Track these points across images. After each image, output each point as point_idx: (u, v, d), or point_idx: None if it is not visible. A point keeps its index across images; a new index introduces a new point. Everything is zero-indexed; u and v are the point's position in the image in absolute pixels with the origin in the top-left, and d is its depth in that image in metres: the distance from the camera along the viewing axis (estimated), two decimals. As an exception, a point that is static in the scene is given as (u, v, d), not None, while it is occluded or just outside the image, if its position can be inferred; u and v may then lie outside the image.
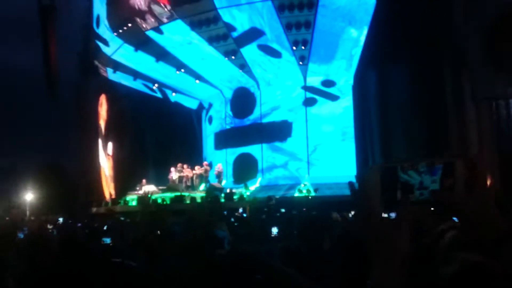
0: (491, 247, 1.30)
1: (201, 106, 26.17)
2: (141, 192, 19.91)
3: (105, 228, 8.74)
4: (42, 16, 20.42)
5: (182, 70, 21.82)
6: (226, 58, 20.36)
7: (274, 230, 5.89)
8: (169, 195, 18.73)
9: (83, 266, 3.88)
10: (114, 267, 3.42)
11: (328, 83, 21.31)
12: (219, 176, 20.41)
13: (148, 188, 20.23)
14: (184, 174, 20.34)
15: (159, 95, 24.86)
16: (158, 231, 5.83)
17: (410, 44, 18.20)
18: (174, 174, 20.42)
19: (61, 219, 12.83)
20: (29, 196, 20.36)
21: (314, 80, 21.27)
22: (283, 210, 10.38)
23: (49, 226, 10.29)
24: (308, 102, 21.49)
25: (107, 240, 7.05)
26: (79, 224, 10.38)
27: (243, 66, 20.95)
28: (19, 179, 23.10)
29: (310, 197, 17.59)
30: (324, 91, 21.41)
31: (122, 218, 12.34)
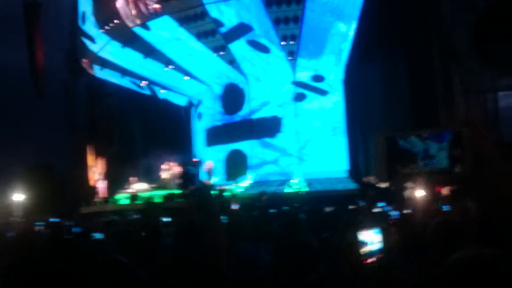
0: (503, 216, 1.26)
1: (190, 103, 26.03)
2: (131, 190, 19.78)
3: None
4: (27, 13, 20.18)
5: (171, 66, 21.66)
6: (215, 54, 20.24)
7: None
8: (160, 193, 18.61)
9: (72, 261, 3.80)
10: (105, 263, 3.36)
11: (318, 78, 21.27)
12: (209, 173, 20.31)
13: (139, 186, 20.11)
14: (173, 172, 20.23)
15: (147, 92, 24.67)
16: (149, 229, 5.75)
17: (399, 38, 18.23)
18: (165, 172, 20.31)
19: (51, 220, 12.67)
20: (17, 196, 20.10)
21: (304, 75, 21.21)
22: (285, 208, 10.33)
23: (39, 226, 10.17)
24: (298, 97, 21.43)
25: (98, 236, 6.94)
26: (68, 223, 10.26)
27: (232, 61, 20.84)
28: (6, 179, 22.81)
29: (301, 193, 17.56)
30: (314, 86, 21.36)
31: (113, 217, 12.21)
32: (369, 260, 3.34)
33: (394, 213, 7.61)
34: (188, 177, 20.30)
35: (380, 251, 3.45)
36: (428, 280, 2.43)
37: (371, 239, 3.50)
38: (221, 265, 2.43)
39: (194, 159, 22.90)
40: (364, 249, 3.43)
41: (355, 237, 3.44)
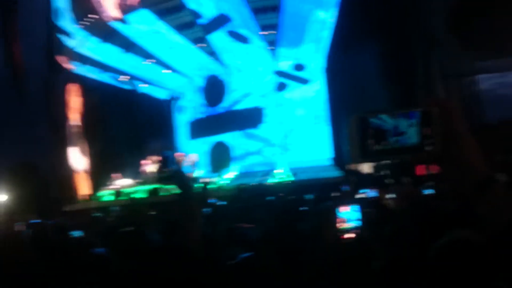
0: (473, 193, 1.27)
1: (172, 96, 25.87)
2: (114, 186, 19.66)
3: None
4: (2, 10, 19.81)
5: (151, 60, 21.50)
6: (195, 46, 20.12)
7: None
8: (143, 188, 18.52)
9: (56, 260, 3.76)
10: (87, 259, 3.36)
11: (299, 67, 21.29)
12: (193, 166, 20.24)
13: (122, 182, 19.99)
14: (156, 166, 20.15)
15: (128, 87, 24.45)
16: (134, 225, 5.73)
17: (379, 25, 18.27)
18: (147, 167, 20.21)
19: (34, 220, 12.54)
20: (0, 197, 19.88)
21: (285, 65, 21.22)
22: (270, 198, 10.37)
23: (21, 225, 10.05)
24: (280, 87, 21.45)
25: (78, 233, 6.89)
26: (51, 222, 10.15)
27: (212, 53, 20.74)
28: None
29: (286, 182, 17.61)
30: (295, 75, 21.38)
31: (97, 214, 12.13)
32: (347, 236, 3.41)
33: (372, 193, 7.71)
34: (164, 161, 20.36)
35: (358, 227, 3.52)
36: (411, 260, 2.46)
37: (350, 216, 3.57)
38: (196, 252, 2.43)
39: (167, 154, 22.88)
40: (343, 225, 3.50)
41: (333, 211, 3.51)
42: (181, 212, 2.65)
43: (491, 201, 1.24)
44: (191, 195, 2.63)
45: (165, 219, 5.92)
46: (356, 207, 3.63)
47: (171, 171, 18.69)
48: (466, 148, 1.35)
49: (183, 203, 2.61)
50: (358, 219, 3.54)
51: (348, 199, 6.13)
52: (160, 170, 19.79)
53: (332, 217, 3.44)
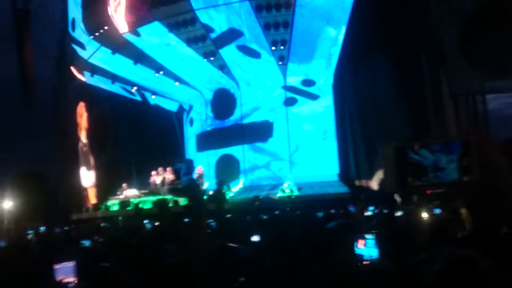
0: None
1: (181, 108, 26.01)
2: (122, 196, 19.71)
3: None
4: (17, 20, 20.07)
5: (161, 72, 21.66)
6: (205, 60, 20.26)
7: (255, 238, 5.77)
8: (151, 199, 18.55)
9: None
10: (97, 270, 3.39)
11: (308, 82, 21.37)
12: (200, 178, 20.28)
13: (129, 192, 20.04)
14: (166, 177, 20.19)
15: (138, 98, 24.64)
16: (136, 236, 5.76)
17: (388, 42, 18.36)
18: (156, 178, 20.26)
19: (42, 228, 12.62)
20: (7, 204, 19.98)
21: (294, 80, 21.30)
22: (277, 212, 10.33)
23: (30, 234, 10.12)
24: (289, 102, 21.52)
25: (86, 243, 6.97)
26: (58, 230, 10.22)
27: (223, 67, 20.86)
28: (-3, 188, 22.69)
29: (293, 197, 17.60)
30: (304, 90, 21.46)
31: (103, 224, 12.18)
32: (364, 263, 3.32)
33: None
34: (176, 173, 20.41)
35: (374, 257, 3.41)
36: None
37: (367, 252, 3.50)
38: (199, 267, 2.46)
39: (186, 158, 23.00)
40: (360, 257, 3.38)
41: (351, 249, 3.21)
42: (190, 225, 2.69)
43: None
44: (201, 209, 2.67)
45: (173, 231, 5.95)
46: (372, 242, 3.54)
47: (184, 183, 18.69)
48: (504, 177, 1.39)
49: (193, 216, 2.65)
50: (375, 249, 3.43)
51: (358, 219, 6.11)
52: (172, 181, 19.80)
53: (342, 240, 3.33)
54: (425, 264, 2.21)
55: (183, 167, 20.64)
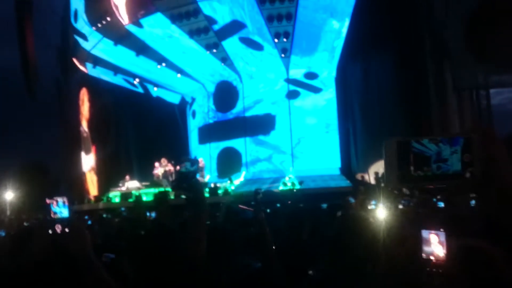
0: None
1: (184, 101, 25.97)
2: (124, 188, 19.72)
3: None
4: (19, 10, 20.02)
5: (163, 64, 21.60)
6: (208, 52, 20.19)
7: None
8: (152, 190, 18.55)
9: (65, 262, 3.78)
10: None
11: (311, 75, 21.30)
12: (201, 170, 20.27)
13: (131, 184, 20.04)
14: (167, 169, 20.17)
15: (140, 90, 24.59)
16: (140, 228, 5.75)
17: (391, 35, 18.25)
18: (159, 170, 20.24)
19: (44, 218, 12.61)
20: (9, 195, 20.01)
21: (297, 73, 21.23)
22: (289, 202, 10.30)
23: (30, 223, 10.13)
24: (291, 95, 21.46)
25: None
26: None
27: (225, 59, 20.80)
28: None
29: (295, 190, 17.56)
30: (307, 83, 21.39)
31: (105, 215, 12.18)
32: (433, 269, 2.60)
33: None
34: (184, 175, 20.30)
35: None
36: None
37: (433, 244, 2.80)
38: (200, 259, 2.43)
39: (193, 157, 22.92)
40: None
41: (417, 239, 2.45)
42: (190, 218, 2.66)
43: None
44: (202, 201, 2.64)
45: (174, 223, 5.93)
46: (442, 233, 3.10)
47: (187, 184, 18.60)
48: (506, 174, 1.35)
49: (194, 208, 2.61)
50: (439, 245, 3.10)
51: (357, 210, 6.09)
52: (176, 183, 19.75)
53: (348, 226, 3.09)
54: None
55: (187, 165, 20.61)
